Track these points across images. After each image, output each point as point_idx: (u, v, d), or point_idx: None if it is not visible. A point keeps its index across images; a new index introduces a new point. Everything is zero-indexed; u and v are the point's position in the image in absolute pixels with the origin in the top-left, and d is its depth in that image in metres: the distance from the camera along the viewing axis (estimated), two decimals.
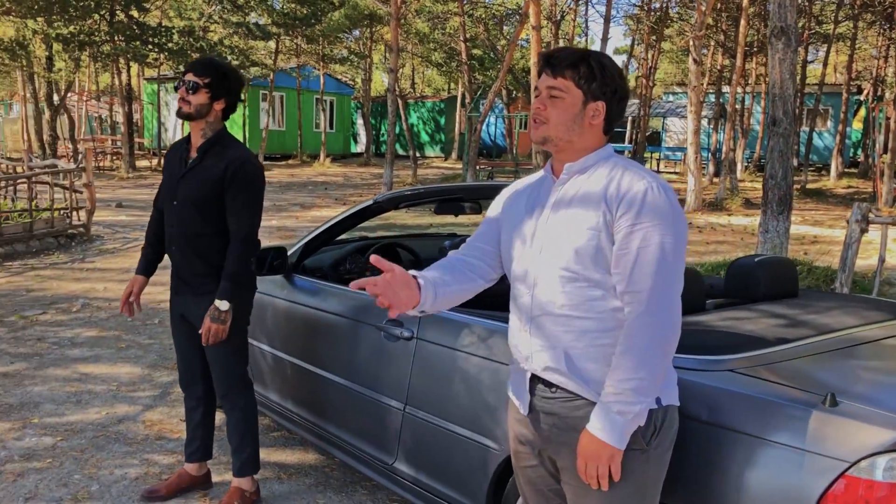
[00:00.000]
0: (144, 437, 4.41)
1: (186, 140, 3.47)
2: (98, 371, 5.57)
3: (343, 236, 4.42)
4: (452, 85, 42.40)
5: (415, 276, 2.05)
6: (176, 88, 3.37)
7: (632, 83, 35.02)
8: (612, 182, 1.98)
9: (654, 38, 26.95)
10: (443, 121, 36.59)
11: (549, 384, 2.07)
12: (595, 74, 2.02)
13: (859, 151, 32.03)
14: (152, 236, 3.62)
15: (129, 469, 3.97)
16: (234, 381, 3.49)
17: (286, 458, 4.18)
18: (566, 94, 2.03)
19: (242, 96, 25.97)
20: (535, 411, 2.10)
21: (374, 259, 1.94)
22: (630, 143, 31.46)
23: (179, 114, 3.33)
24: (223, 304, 3.28)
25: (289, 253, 4.04)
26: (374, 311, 3.46)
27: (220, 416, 3.97)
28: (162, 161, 26.28)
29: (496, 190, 4.65)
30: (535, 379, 2.10)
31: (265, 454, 4.18)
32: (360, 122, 37.28)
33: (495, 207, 2.30)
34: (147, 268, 3.65)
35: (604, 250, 1.96)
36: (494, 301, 3.86)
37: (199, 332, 3.37)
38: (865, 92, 31.04)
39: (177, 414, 4.69)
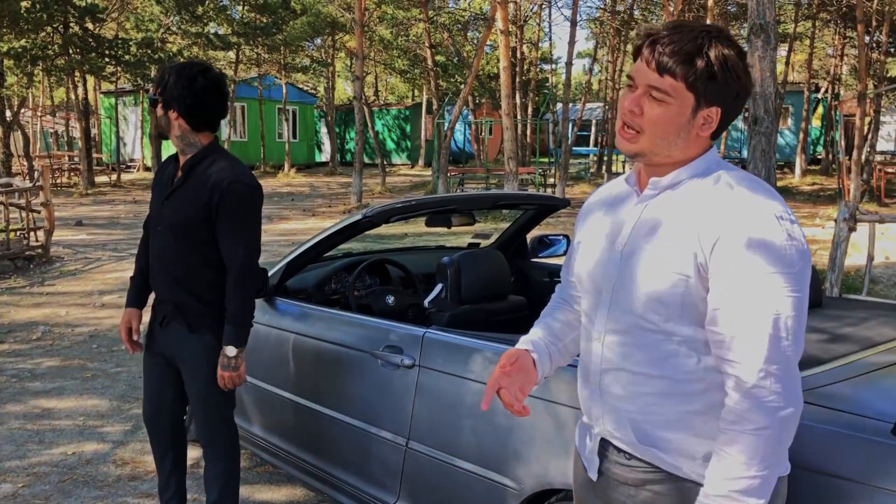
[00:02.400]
0: (116, 478, 4.05)
1: (176, 156, 3.10)
2: (62, 405, 5.18)
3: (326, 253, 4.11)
4: (416, 92, 42.19)
5: (527, 350, 1.83)
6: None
7: (596, 87, 35.08)
8: (712, 207, 1.52)
9: (618, 41, 26.94)
10: (408, 128, 36.31)
11: (623, 451, 1.70)
12: (716, 73, 1.52)
13: (819, 149, 32.42)
14: (143, 262, 3.20)
15: None
16: (220, 427, 3.11)
17: (272, 496, 3.85)
18: (673, 100, 1.54)
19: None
20: (607, 476, 1.74)
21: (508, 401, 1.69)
22: (595, 146, 31.43)
23: (153, 136, 2.97)
24: (230, 350, 2.90)
25: (269, 273, 3.71)
26: (368, 336, 3.16)
27: (192, 454, 3.63)
28: (121, 176, 25.36)
29: (489, 200, 4.43)
30: (606, 442, 1.74)
31: (249, 492, 3.86)
32: (323, 130, 36.88)
33: (576, 229, 1.89)
34: (137, 298, 3.23)
35: (694, 300, 1.53)
36: (503, 321, 3.59)
37: (189, 376, 3.03)
38: (823, 90, 31.47)
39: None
